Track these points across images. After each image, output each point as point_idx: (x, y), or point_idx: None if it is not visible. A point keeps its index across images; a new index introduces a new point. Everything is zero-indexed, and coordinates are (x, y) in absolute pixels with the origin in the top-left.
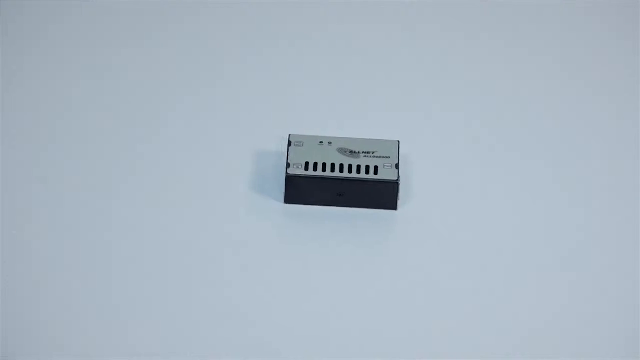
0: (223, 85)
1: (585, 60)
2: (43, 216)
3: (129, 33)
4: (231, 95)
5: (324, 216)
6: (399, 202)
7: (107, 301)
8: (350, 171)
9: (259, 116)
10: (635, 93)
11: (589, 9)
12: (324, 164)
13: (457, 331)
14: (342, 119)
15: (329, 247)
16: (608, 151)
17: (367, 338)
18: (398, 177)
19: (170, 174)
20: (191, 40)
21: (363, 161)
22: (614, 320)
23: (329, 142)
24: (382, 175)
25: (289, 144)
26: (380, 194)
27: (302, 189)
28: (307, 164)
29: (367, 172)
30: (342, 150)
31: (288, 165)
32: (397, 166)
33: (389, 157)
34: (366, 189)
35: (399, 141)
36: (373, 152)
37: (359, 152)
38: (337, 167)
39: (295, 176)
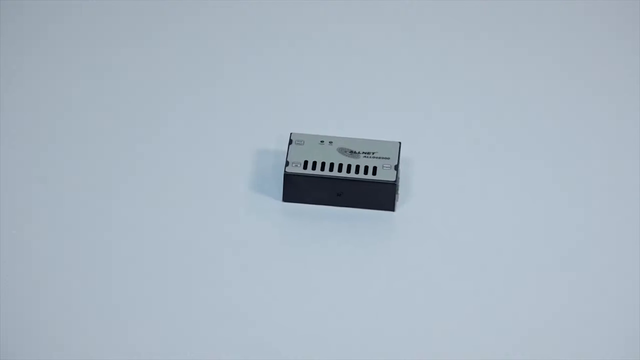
0: (223, 85)
1: (585, 61)
2: (43, 216)
3: (129, 33)
4: (231, 95)
5: (323, 216)
6: (398, 203)
7: (107, 301)
8: (348, 171)
9: (259, 116)
10: (635, 93)
11: (589, 9)
12: (322, 164)
13: (456, 331)
14: (342, 119)
15: (328, 247)
16: (608, 151)
17: (366, 338)
18: (396, 178)
19: (170, 173)
20: (191, 40)
21: (362, 162)
22: (614, 320)
23: (330, 142)
24: (381, 176)
25: (290, 142)
26: (377, 194)
27: (300, 187)
28: (306, 162)
29: (365, 172)
30: (342, 151)
31: (287, 163)
32: (396, 168)
33: (389, 158)
34: (364, 189)
35: (400, 143)
36: (373, 153)
37: (359, 152)
38: (335, 167)
39: (293, 174)
